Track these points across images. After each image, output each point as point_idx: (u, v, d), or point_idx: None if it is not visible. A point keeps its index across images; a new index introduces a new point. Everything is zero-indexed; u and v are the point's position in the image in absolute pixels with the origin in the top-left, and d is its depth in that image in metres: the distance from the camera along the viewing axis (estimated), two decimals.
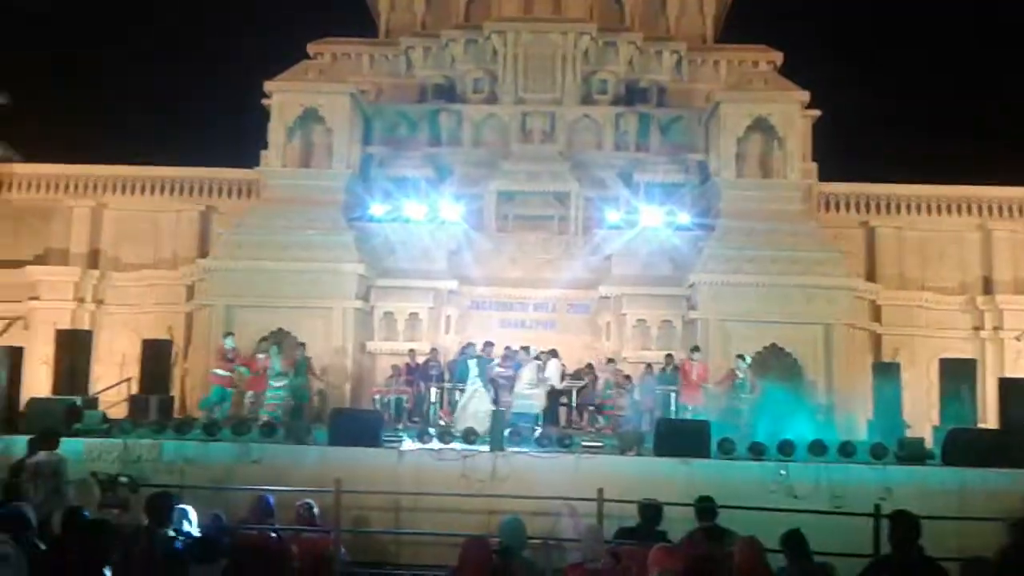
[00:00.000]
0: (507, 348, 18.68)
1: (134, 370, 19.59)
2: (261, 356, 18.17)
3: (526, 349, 18.05)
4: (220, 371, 18.21)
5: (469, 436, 14.13)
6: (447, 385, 18.13)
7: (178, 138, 27.23)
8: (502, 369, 17.79)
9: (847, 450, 13.66)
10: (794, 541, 6.78)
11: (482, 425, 14.85)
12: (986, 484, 12.16)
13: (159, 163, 23.80)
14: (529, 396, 16.60)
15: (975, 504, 11.10)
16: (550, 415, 18.17)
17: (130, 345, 21.06)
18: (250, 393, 17.97)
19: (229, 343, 18.48)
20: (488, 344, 18.21)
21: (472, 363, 16.69)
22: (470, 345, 18.94)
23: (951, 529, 8.99)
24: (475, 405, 16.01)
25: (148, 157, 23.86)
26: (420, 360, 19.13)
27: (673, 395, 17.58)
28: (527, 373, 16.85)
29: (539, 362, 17.27)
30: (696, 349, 18.11)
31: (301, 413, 17.79)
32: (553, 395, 18.37)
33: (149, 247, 23.31)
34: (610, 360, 19.42)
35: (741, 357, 17.37)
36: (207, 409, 17.66)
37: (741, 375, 17.03)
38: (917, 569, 5.73)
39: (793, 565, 6.69)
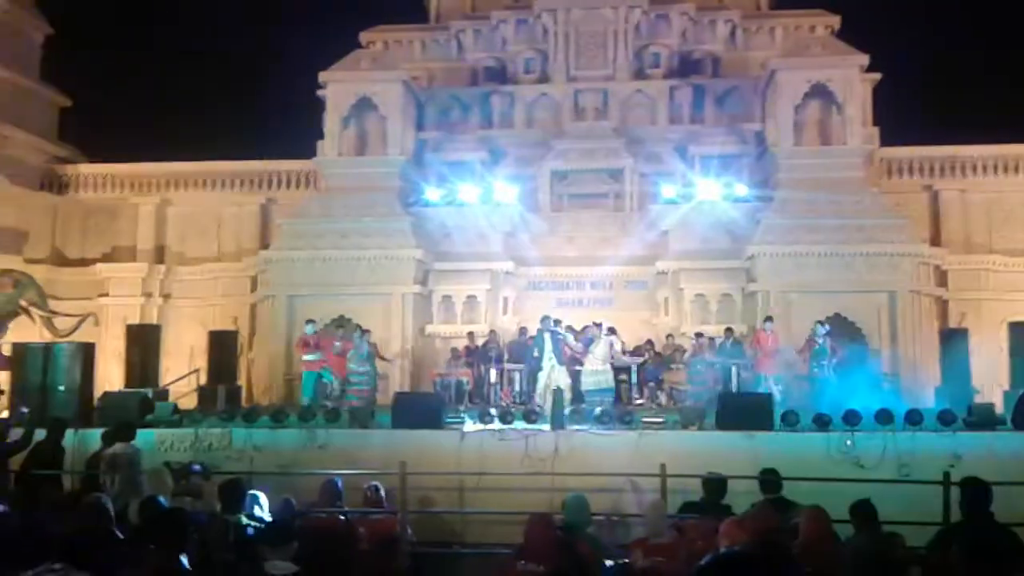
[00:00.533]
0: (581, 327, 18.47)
1: (202, 361, 20.07)
2: (338, 343, 18.10)
3: (598, 325, 17.94)
4: (307, 356, 18.10)
5: (530, 416, 14.19)
6: (507, 366, 18.19)
7: (237, 133, 27.64)
8: (574, 345, 17.61)
9: (914, 418, 13.37)
10: (863, 510, 6.72)
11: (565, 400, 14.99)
12: None
13: (219, 159, 24.29)
14: (604, 371, 16.63)
15: None
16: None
17: (197, 337, 21.58)
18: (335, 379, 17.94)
19: (310, 329, 18.40)
20: (546, 318, 17.84)
21: (547, 337, 16.62)
22: (525, 329, 19.02)
23: (1022, 494, 8.76)
24: (556, 380, 16.03)
25: (209, 153, 24.36)
26: (479, 342, 19.24)
27: (735, 368, 17.36)
28: (600, 349, 16.86)
29: (613, 337, 17.23)
30: (769, 319, 17.91)
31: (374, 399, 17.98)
32: (616, 371, 18.39)
33: (212, 241, 23.82)
34: (668, 336, 19.31)
35: (820, 323, 17.14)
36: (311, 400, 17.33)
37: (820, 341, 16.78)
38: (989, 536, 5.62)
39: (861, 535, 6.62)
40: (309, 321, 18.85)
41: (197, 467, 10.27)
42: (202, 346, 20.52)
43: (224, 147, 24.61)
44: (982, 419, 13.53)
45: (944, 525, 7.58)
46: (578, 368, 16.89)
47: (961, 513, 5.98)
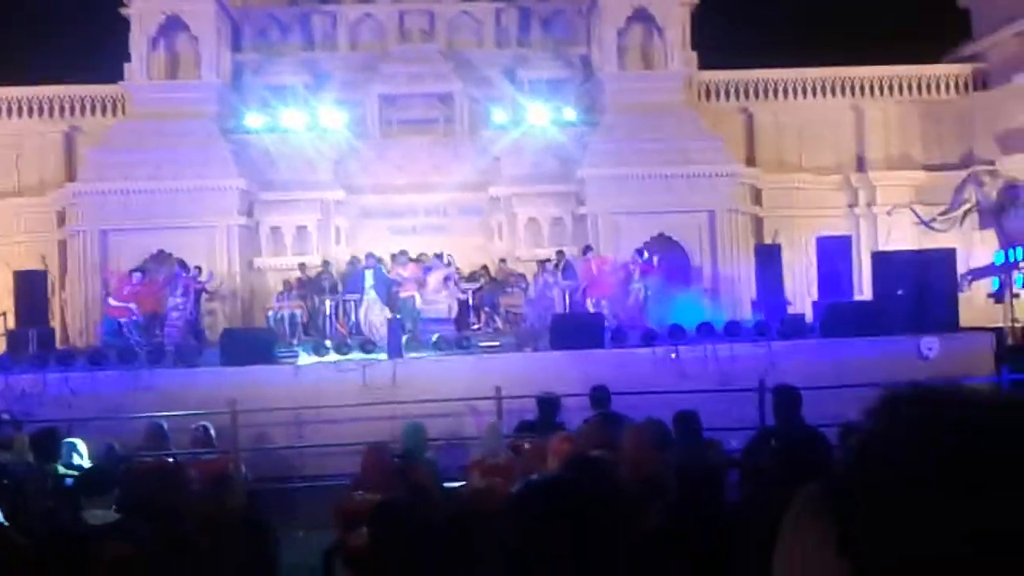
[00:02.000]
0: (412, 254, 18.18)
1: (8, 304, 18.66)
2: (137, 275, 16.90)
3: (439, 256, 17.84)
4: (114, 303, 16.72)
5: (367, 346, 14.09)
6: (341, 297, 17.91)
7: (34, 54, 25.37)
8: (407, 274, 17.42)
9: (732, 330, 14.19)
10: (683, 421, 7.07)
11: (381, 334, 14.88)
12: (860, 353, 12.83)
13: (15, 84, 22.21)
14: (437, 301, 16.59)
15: (852, 373, 11.70)
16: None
17: (2, 278, 20.01)
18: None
19: (138, 278, 16.82)
20: (369, 255, 17.50)
21: (368, 273, 16.42)
22: (357, 259, 18.75)
23: (831, 397, 9.45)
24: (373, 316, 15.93)
25: (3, 78, 22.22)
26: (312, 273, 18.82)
27: (566, 291, 17.76)
28: (433, 279, 16.78)
29: (449, 268, 17.18)
30: (588, 248, 18.19)
31: (200, 335, 17.28)
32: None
33: (11, 173, 21.90)
34: (502, 260, 19.52)
35: (639, 252, 17.67)
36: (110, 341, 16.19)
37: (633, 267, 17.33)
38: (799, 436, 6.02)
39: (684, 443, 6.99)
40: (136, 270, 17.35)
41: (5, 415, 9.59)
42: (8, 287, 19.05)
43: (20, 70, 22.49)
44: (793, 329, 14.50)
45: (760, 428, 8.08)
46: (408, 296, 16.75)
47: (775, 418, 6.36)
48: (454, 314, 16.85)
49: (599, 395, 8.55)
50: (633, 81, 20.88)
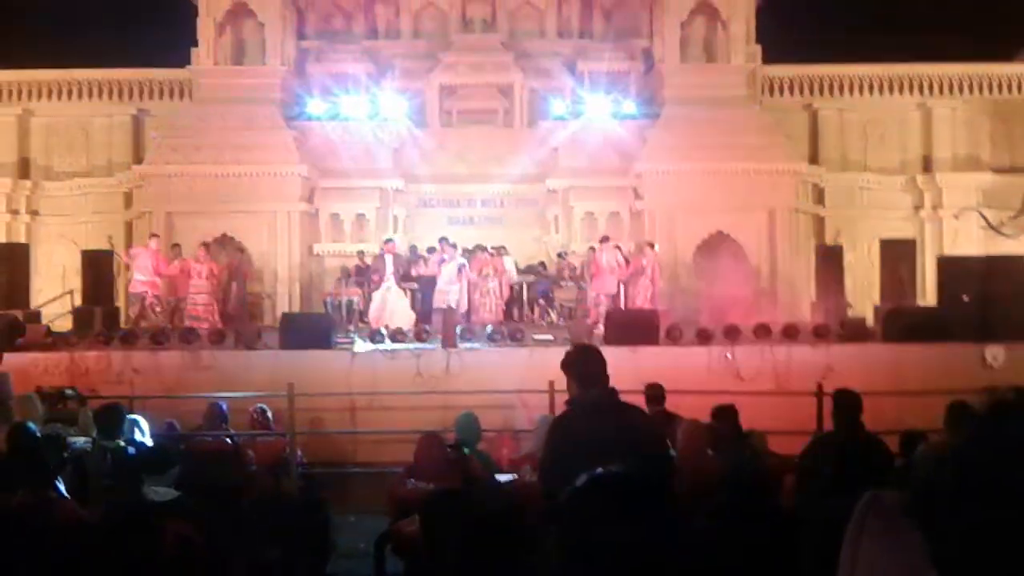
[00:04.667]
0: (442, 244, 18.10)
1: (76, 282, 19.15)
2: (176, 261, 17.39)
3: (453, 245, 17.87)
4: (139, 276, 17.18)
5: (421, 335, 14.20)
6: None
7: (105, 38, 25.94)
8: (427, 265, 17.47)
9: (791, 331, 13.98)
10: (723, 413, 7.17)
11: (402, 322, 15.15)
12: (923, 359, 12.57)
13: (86, 66, 22.78)
14: (447, 292, 16.56)
15: (913, 379, 11.47)
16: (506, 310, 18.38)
17: (70, 257, 20.56)
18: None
19: (153, 245, 17.52)
20: (389, 241, 17.80)
21: (388, 259, 16.51)
22: (415, 247, 18.99)
23: (891, 404, 9.29)
24: (392, 303, 16.05)
25: (75, 60, 22.80)
26: (370, 261, 18.99)
27: (622, 285, 17.63)
28: (447, 270, 16.79)
29: (463, 261, 17.11)
30: (605, 239, 17.76)
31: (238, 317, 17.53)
32: (509, 291, 18.52)
33: (81, 154, 22.51)
34: (560, 254, 19.49)
35: (651, 245, 17.44)
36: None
37: (645, 262, 17.08)
38: (858, 443, 5.92)
39: (726, 433, 7.11)
40: (153, 235, 17.97)
41: (70, 391, 9.85)
42: (75, 266, 19.55)
43: (91, 53, 23.00)
44: (854, 332, 14.25)
45: (817, 434, 7.96)
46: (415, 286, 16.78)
47: (833, 422, 6.27)
48: (464, 308, 16.68)
49: (654, 393, 8.53)
50: (695, 74, 20.64)
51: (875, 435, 6.02)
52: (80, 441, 7.31)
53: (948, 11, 26.12)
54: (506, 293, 17.66)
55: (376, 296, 16.34)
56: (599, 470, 2.31)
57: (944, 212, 21.69)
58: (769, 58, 22.55)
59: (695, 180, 19.63)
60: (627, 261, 17.63)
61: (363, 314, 18.09)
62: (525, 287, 18.43)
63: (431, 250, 18.12)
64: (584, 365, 4.22)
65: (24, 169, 22.34)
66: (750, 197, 19.64)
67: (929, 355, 12.68)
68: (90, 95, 22.66)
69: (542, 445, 4.66)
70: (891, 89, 22.81)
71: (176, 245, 18.19)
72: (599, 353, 4.33)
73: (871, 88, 22.80)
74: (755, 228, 19.83)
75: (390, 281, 16.25)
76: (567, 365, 4.26)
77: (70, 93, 22.66)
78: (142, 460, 6.10)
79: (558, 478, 4.04)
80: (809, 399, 10.02)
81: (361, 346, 13.65)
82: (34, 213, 21.98)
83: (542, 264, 19.54)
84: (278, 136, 19.93)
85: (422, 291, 17.54)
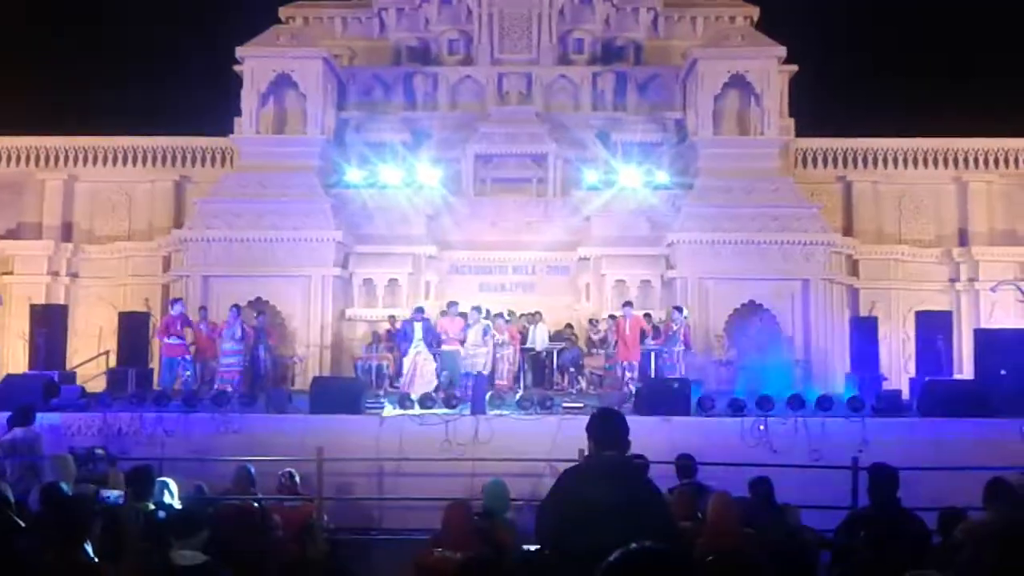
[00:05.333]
0: (464, 307, 17.95)
1: (111, 343, 19.41)
2: (202, 325, 17.55)
3: (477, 308, 17.91)
4: (169, 340, 17.22)
5: (451, 401, 14.17)
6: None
7: (150, 107, 26.77)
8: (451, 328, 17.38)
9: (825, 404, 13.78)
10: (757, 486, 7.04)
11: (428, 387, 15.26)
12: (961, 435, 12.31)
13: (132, 133, 23.47)
14: (474, 355, 16.54)
15: (951, 454, 11.23)
16: (537, 377, 18.28)
17: (107, 318, 20.88)
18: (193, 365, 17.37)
19: (177, 310, 17.58)
20: (418, 309, 17.65)
21: (417, 326, 16.52)
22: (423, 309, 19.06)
23: (928, 479, 9.08)
24: (421, 367, 16.04)
25: (120, 127, 23.50)
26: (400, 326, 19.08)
27: (653, 354, 17.51)
28: (472, 334, 16.80)
29: (487, 323, 17.11)
30: (628, 304, 17.76)
31: (262, 381, 17.56)
32: (538, 358, 18.46)
33: (123, 219, 23.05)
34: (591, 321, 19.47)
35: (678, 309, 17.33)
36: (166, 385, 16.73)
37: (676, 327, 16.96)
38: (895, 520, 5.78)
39: (759, 508, 6.96)
40: (175, 300, 18.19)
41: (100, 451, 9.92)
42: (112, 328, 19.84)
43: (137, 121, 23.79)
44: (889, 406, 14.02)
45: (853, 509, 7.79)
46: (452, 350, 16.72)
47: (869, 498, 6.13)
48: (488, 369, 16.63)
49: (685, 464, 8.42)
50: (728, 146, 20.78)
51: (912, 512, 5.88)
52: (113, 495, 7.33)
53: (982, 86, 26.26)
54: (516, 359, 17.63)
55: (406, 362, 16.41)
56: (633, 545, 2.32)
57: (980, 285, 21.44)
58: (802, 131, 22.72)
59: (728, 250, 19.62)
60: (656, 329, 17.55)
61: (392, 379, 18.11)
62: (555, 354, 18.39)
63: (456, 311, 17.94)
64: (601, 427, 4.33)
65: (67, 232, 22.88)
66: (784, 267, 19.57)
67: (967, 430, 12.44)
68: (134, 162, 23.29)
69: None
70: (926, 162, 22.82)
71: (203, 308, 18.39)
72: (620, 418, 4.42)
73: (905, 161, 22.82)
74: (788, 298, 19.71)
75: (420, 346, 16.29)
76: (588, 427, 4.39)
77: (115, 159, 23.30)
78: (171, 523, 6.08)
79: (546, 529, 4.13)
80: (844, 473, 9.83)
81: (390, 411, 13.64)
82: (74, 275, 22.43)
83: (570, 328, 19.47)
84: (315, 203, 20.26)
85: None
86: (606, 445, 4.27)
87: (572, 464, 9.49)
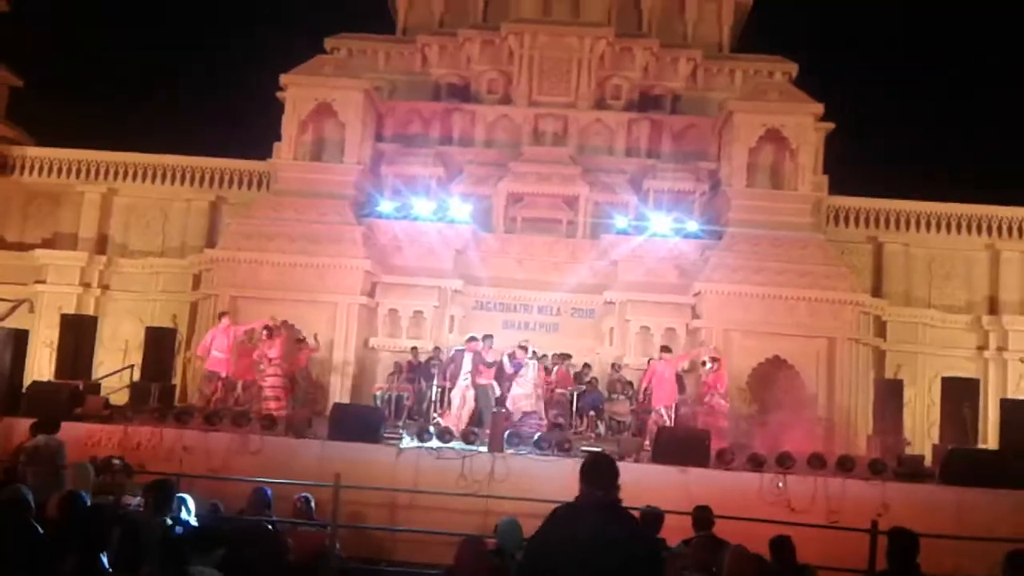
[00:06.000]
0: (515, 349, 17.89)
1: (137, 357, 19.61)
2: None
3: (523, 348, 17.91)
4: (216, 353, 17.25)
5: (468, 437, 14.16)
6: (448, 384, 18.05)
7: (191, 127, 27.30)
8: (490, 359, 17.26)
9: (846, 464, 13.64)
10: (779, 546, 6.97)
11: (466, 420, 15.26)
12: (983, 504, 12.14)
13: (170, 152, 23.91)
14: (531, 396, 16.55)
15: (973, 524, 11.06)
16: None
17: (134, 332, 21.14)
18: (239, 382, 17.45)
19: (224, 323, 17.61)
20: (472, 338, 17.33)
21: (468, 356, 16.46)
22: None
23: (948, 548, 8.95)
24: (470, 402, 15.98)
25: (160, 145, 23.98)
26: (423, 358, 19.15)
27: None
28: (530, 372, 16.79)
29: (542, 362, 17.15)
30: (666, 349, 17.73)
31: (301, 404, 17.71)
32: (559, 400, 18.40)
33: (157, 235, 23.40)
34: (613, 366, 19.43)
35: (703, 363, 17.27)
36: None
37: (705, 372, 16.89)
38: None
39: (778, 567, 6.90)
40: (223, 313, 18.16)
41: (117, 461, 10.01)
42: (138, 341, 20.08)
43: (176, 140, 24.24)
44: (912, 470, 13.84)
45: (870, 573, 7.70)
46: (485, 384, 16.60)
47: (888, 562, 6.07)
48: (533, 408, 16.62)
49: (702, 516, 8.36)
50: (761, 199, 20.79)
51: None
52: (135, 501, 7.38)
53: (1017, 154, 26.17)
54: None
55: (455, 394, 16.28)
56: None
57: (1009, 355, 21.22)
58: (836, 189, 22.73)
59: (755, 303, 19.56)
60: (679, 378, 17.47)
61: (411, 411, 18.13)
62: (575, 397, 18.33)
63: (491, 344, 17.88)
64: (592, 470, 4.57)
65: (101, 245, 23.23)
66: (810, 324, 19.46)
67: (989, 500, 12.27)
68: (172, 180, 23.70)
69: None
70: (959, 228, 22.75)
71: (225, 313, 18.18)
72: (611, 462, 4.68)
73: (938, 226, 22.77)
74: (814, 355, 19.55)
75: (468, 380, 16.20)
76: (580, 469, 4.62)
77: (154, 176, 23.72)
78: (189, 539, 6.14)
79: (535, 564, 4.31)
80: (862, 536, 9.70)
81: (408, 443, 13.65)
82: (105, 287, 22.74)
83: (588, 368, 19.42)
84: (347, 231, 20.46)
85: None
86: (595, 487, 4.49)
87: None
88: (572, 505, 4.55)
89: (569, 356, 18.97)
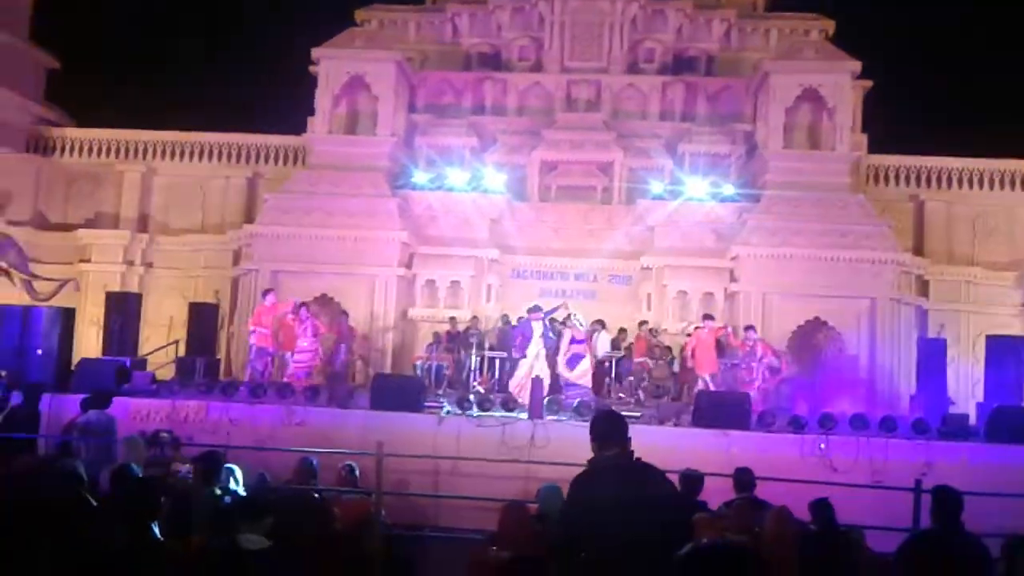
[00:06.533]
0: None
1: (181, 333, 19.95)
2: (291, 315, 17.27)
3: (599, 322, 17.71)
4: (261, 329, 17.21)
5: (508, 404, 14.24)
6: (488, 353, 18.16)
7: (227, 105, 27.48)
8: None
9: (888, 425, 13.53)
10: (819, 508, 6.90)
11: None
12: None
13: (208, 130, 24.11)
14: (588, 366, 16.51)
15: (1018, 482, 10.93)
16: (596, 386, 18.22)
17: (178, 308, 21.46)
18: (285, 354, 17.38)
19: (269, 300, 17.59)
20: (537, 307, 16.98)
21: (536, 325, 16.14)
22: (507, 316, 19.15)
23: (993, 506, 8.86)
24: (538, 370, 15.95)
25: (197, 124, 24.18)
26: (461, 328, 19.25)
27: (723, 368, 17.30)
28: (601, 343, 16.77)
29: (592, 330, 17.13)
30: (709, 316, 17.49)
31: (341, 377, 17.87)
32: (598, 366, 18.37)
33: (197, 212, 23.65)
34: (651, 331, 19.38)
35: (751, 328, 17.09)
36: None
37: (749, 345, 16.65)
38: (958, 544, 5.68)
39: (820, 530, 6.87)
40: (268, 291, 18.10)
41: (165, 435, 10.22)
42: (182, 317, 20.41)
43: (213, 118, 24.45)
44: (955, 429, 13.71)
45: (914, 531, 7.65)
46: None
47: (932, 521, 6.02)
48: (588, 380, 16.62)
49: (743, 478, 8.36)
50: (798, 160, 20.51)
51: (976, 536, 5.76)
52: (184, 469, 7.52)
53: None
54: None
55: (523, 364, 15.97)
56: (703, 541, 2.43)
57: None
58: (875, 147, 22.34)
59: (794, 265, 19.36)
60: (719, 344, 17.37)
61: (451, 380, 18.27)
62: (615, 363, 18.33)
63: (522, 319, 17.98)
64: (602, 427, 4.58)
65: (143, 223, 23.55)
66: (851, 285, 19.23)
67: None
68: (210, 157, 23.92)
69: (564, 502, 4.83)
70: (1001, 184, 22.26)
71: (269, 291, 18.12)
72: (618, 417, 4.71)
73: (980, 182, 22.29)
74: (854, 317, 19.35)
75: (539, 347, 15.82)
76: (591, 427, 4.64)
77: (191, 154, 23.95)
78: (237, 508, 6.26)
79: (582, 528, 4.23)
80: (905, 495, 9.64)
81: (449, 411, 13.76)
82: (148, 265, 23.08)
83: (624, 333, 19.40)
84: (383, 203, 20.55)
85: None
86: (609, 444, 4.50)
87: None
88: (593, 470, 4.49)
89: (602, 323, 18.84)
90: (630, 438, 4.53)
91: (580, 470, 11.06)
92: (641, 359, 17.96)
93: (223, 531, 5.74)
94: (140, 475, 7.41)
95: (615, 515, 4.06)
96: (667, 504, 4.18)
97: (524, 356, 16.07)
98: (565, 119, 22.48)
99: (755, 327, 17.28)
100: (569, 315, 17.05)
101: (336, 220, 20.26)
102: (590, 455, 11.45)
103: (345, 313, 19.02)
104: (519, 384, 15.59)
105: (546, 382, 15.42)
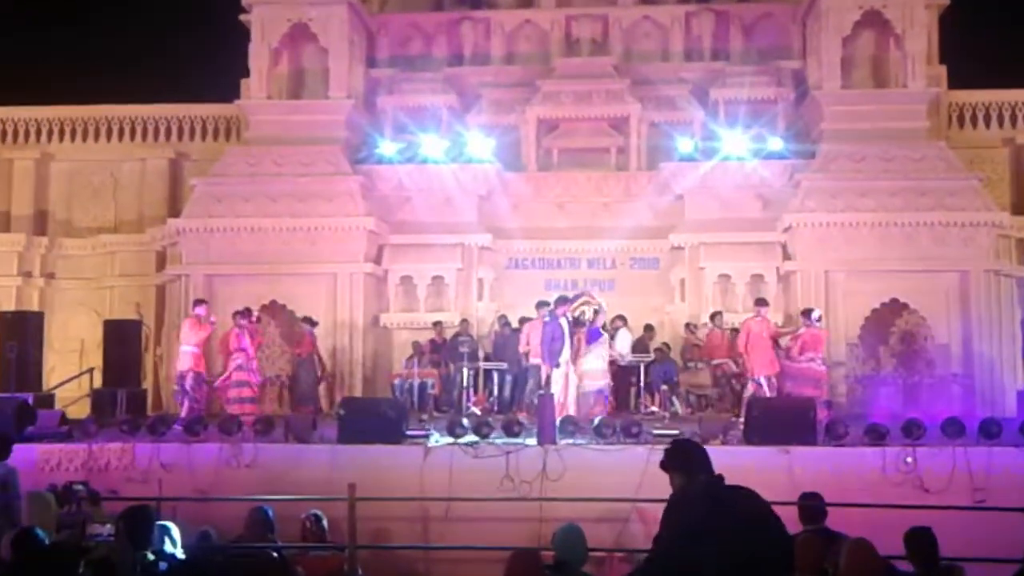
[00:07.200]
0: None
1: (96, 359, 19.96)
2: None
3: (621, 317, 17.81)
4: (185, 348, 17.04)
5: (512, 428, 14.22)
6: (484, 365, 18.17)
7: (139, 68, 27.43)
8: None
9: (991, 430, 13.52)
10: (918, 541, 6.85)
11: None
12: None
13: (116, 101, 24.04)
14: (604, 370, 16.68)
15: None
16: (620, 397, 18.21)
17: (89, 328, 21.51)
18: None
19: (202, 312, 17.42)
20: (563, 300, 16.95)
21: (564, 323, 16.15)
22: (505, 318, 19.15)
23: None
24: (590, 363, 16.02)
25: (102, 95, 24.10)
26: (448, 334, 19.25)
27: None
28: (597, 346, 16.81)
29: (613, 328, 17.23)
30: (763, 302, 17.23)
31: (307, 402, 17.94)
32: (621, 373, 18.34)
33: (108, 206, 23.67)
34: (688, 327, 19.38)
35: (809, 313, 16.86)
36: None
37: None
38: None
39: (918, 570, 6.81)
40: (200, 301, 17.86)
41: (79, 487, 10.20)
42: (96, 339, 20.44)
43: (123, 90, 24.36)
44: None
45: None
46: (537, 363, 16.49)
47: None
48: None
49: (811, 505, 8.35)
50: (861, 102, 20.54)
51: None
52: (105, 531, 7.51)
53: None
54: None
55: (556, 375, 15.99)
56: None
57: None
58: (956, 82, 22.32)
59: (862, 235, 19.39)
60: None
61: (438, 401, 18.27)
62: (643, 370, 18.30)
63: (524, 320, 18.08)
64: (690, 456, 4.82)
65: (40, 223, 23.53)
66: (936, 256, 19.27)
67: None
68: (120, 136, 23.92)
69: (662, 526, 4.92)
70: None
71: (202, 301, 17.92)
72: (699, 445, 5.01)
73: None
74: (942, 295, 19.40)
75: (567, 355, 15.98)
76: (670, 458, 4.85)
77: (96, 134, 23.94)
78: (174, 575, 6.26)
79: (691, 555, 4.31)
80: (1016, 518, 9.66)
81: (437, 440, 13.75)
82: (49, 276, 23.09)
83: (651, 331, 19.44)
84: (341, 183, 20.55)
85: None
86: (699, 471, 4.68)
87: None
88: (700, 494, 4.61)
89: (624, 319, 18.79)
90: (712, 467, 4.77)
91: (604, 506, 11.08)
92: (722, 360, 18.02)
93: None
94: (49, 540, 7.39)
95: (727, 542, 4.19)
96: (778, 531, 4.32)
97: (557, 365, 16.04)
98: (566, 66, 22.47)
99: (814, 312, 16.91)
100: (596, 310, 17.10)
101: (283, 207, 20.27)
102: (616, 488, 11.49)
103: (310, 320, 18.96)
104: (563, 402, 15.58)
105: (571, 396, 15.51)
